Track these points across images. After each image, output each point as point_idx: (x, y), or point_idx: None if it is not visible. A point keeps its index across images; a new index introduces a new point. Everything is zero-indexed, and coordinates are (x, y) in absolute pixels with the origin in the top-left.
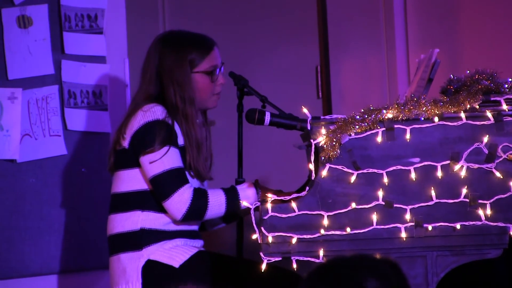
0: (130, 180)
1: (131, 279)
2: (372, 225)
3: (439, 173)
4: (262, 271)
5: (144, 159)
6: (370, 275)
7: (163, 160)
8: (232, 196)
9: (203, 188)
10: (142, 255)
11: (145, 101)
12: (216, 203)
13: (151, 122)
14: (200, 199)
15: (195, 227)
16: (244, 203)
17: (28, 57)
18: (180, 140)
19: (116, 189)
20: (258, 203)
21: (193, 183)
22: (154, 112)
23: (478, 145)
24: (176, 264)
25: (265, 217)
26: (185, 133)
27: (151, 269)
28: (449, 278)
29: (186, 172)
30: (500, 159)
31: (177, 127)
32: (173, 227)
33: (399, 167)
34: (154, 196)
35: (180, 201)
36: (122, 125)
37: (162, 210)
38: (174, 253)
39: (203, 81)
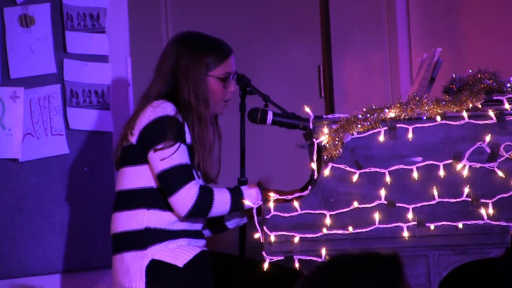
0: (136, 177)
1: (135, 278)
2: (375, 224)
3: (442, 172)
4: (265, 270)
5: (153, 154)
6: (364, 276)
7: (172, 155)
8: (236, 195)
9: (208, 186)
10: (146, 255)
11: (155, 98)
12: (221, 201)
13: (161, 117)
14: (206, 196)
15: (198, 227)
16: (247, 202)
17: (30, 56)
18: (188, 138)
19: (121, 186)
20: (261, 202)
21: (199, 183)
22: (164, 108)
23: (480, 144)
24: (180, 263)
25: (268, 216)
26: (196, 133)
27: (155, 269)
28: (452, 278)
29: (194, 172)
30: (503, 158)
31: (186, 126)
32: (178, 226)
33: (401, 166)
34: (161, 193)
35: (186, 196)
36: (130, 121)
37: (168, 209)
38: (178, 253)
39: (216, 85)
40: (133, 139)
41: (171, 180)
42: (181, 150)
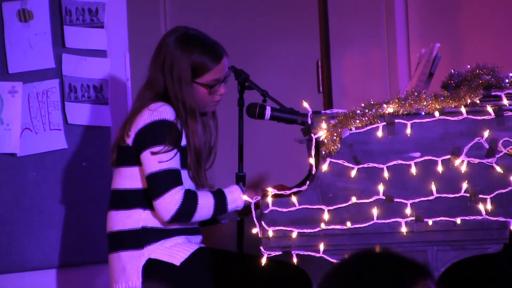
0: (132, 178)
1: (131, 277)
2: (373, 219)
3: (440, 168)
4: (263, 265)
5: (145, 156)
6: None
7: (162, 159)
8: (220, 199)
9: (193, 190)
10: (143, 254)
11: (152, 99)
12: (205, 206)
13: (157, 121)
14: (190, 201)
15: (195, 224)
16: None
17: (28, 51)
18: (184, 141)
19: (117, 185)
20: (259, 198)
21: (190, 184)
22: (161, 112)
23: (478, 139)
24: (177, 262)
25: (266, 211)
26: (186, 138)
27: (152, 268)
28: (450, 273)
29: (186, 171)
30: (501, 154)
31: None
32: (174, 225)
33: (399, 161)
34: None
35: (171, 201)
36: (127, 122)
37: None
38: (175, 251)
39: (202, 92)
40: (129, 141)
41: (157, 183)
42: (172, 156)
